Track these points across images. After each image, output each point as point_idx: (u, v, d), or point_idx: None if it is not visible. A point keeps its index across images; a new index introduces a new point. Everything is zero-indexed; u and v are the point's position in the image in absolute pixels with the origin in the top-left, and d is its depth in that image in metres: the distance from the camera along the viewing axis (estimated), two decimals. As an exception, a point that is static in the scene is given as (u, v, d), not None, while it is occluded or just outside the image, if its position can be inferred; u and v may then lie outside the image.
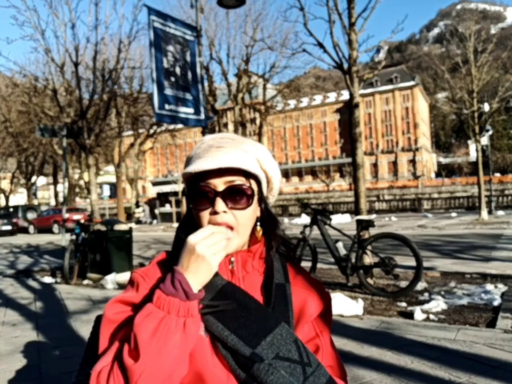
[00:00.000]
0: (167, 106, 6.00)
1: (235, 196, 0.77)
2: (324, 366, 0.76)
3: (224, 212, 0.76)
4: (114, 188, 29.76)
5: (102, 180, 48.68)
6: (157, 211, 26.33)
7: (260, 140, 25.51)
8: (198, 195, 0.78)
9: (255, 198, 0.80)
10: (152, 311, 0.66)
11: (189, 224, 0.82)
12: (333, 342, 0.85)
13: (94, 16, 9.50)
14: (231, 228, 0.77)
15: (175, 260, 0.76)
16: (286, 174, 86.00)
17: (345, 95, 76.48)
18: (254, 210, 0.81)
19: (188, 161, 0.83)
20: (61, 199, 34.56)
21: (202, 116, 6.59)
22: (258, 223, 0.83)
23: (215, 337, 0.72)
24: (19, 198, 55.78)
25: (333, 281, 5.34)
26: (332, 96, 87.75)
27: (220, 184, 0.77)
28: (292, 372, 0.70)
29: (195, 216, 0.80)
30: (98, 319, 0.84)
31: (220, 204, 0.76)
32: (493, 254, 7.09)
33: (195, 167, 0.76)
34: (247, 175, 0.79)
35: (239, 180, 0.78)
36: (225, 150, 0.78)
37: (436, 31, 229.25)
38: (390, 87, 79.98)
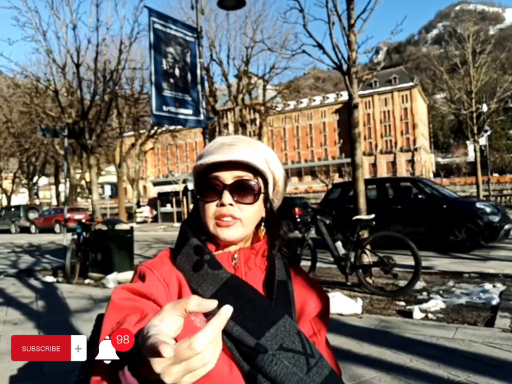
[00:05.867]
0: (165, 108, 5.99)
1: (242, 190, 0.79)
2: None
3: (231, 204, 0.78)
4: (115, 188, 29.76)
5: (103, 180, 48.69)
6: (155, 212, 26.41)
7: (259, 140, 25.48)
8: (207, 187, 0.81)
9: (262, 196, 0.82)
10: None
11: (195, 218, 0.84)
12: (329, 341, 0.87)
13: (95, 17, 9.51)
14: (237, 219, 0.78)
15: (179, 252, 0.79)
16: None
17: (344, 96, 76.40)
18: (259, 208, 0.83)
19: (199, 158, 0.85)
20: (62, 199, 34.53)
21: (202, 117, 6.59)
22: (262, 223, 0.85)
23: None
24: (21, 198, 55.59)
25: (332, 280, 5.36)
26: (331, 97, 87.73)
27: (228, 177, 0.79)
28: (295, 362, 0.71)
29: (201, 208, 0.82)
30: (100, 318, 0.84)
31: (227, 197, 0.78)
32: (491, 254, 7.12)
33: (206, 159, 0.79)
34: (255, 172, 0.81)
35: (247, 176, 0.80)
36: (236, 147, 0.81)
37: (434, 32, 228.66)
38: (388, 88, 79.91)
